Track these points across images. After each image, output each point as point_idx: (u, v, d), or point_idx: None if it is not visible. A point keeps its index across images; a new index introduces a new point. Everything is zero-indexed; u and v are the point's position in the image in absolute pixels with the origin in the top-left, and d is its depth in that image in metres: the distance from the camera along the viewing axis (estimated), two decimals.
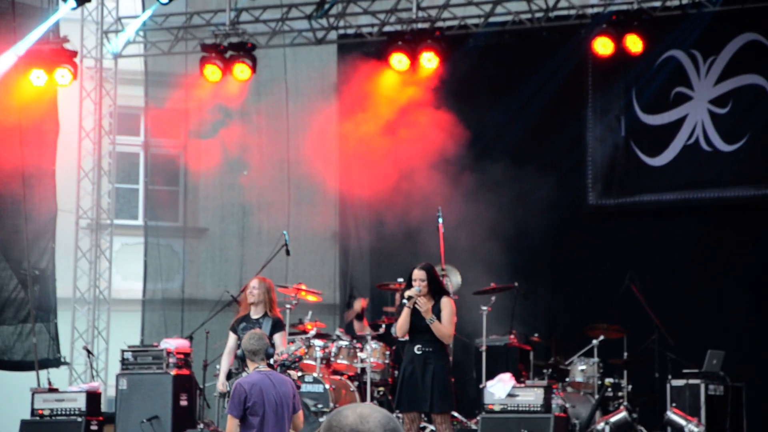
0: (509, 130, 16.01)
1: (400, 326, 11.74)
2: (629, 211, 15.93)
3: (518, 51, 16.51)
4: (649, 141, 15.88)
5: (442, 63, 15.77)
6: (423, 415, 12.08)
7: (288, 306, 14.31)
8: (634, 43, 14.99)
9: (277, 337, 12.57)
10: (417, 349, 11.65)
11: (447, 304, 11.63)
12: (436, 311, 11.61)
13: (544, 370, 14.53)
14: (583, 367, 14.44)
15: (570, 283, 15.95)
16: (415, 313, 11.61)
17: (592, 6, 16.09)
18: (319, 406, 13.58)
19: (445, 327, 11.57)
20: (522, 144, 16.11)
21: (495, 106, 16.25)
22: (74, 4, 16.31)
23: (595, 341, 14.38)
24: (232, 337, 12.78)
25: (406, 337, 11.92)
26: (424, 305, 11.49)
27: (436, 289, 11.69)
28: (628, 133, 15.96)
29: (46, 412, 14.44)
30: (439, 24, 16.34)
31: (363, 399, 13.97)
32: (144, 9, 17.83)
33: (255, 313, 12.68)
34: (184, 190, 18.45)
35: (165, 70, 18.07)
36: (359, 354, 14.11)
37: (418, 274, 11.70)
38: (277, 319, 12.76)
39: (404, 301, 11.71)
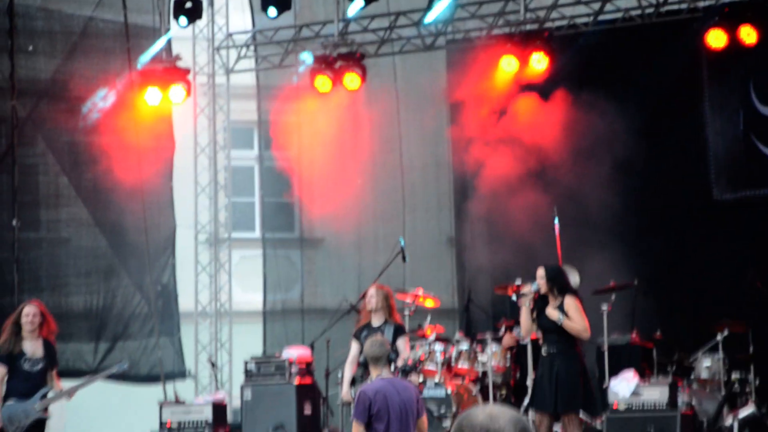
0: (625, 128, 15.86)
1: (523, 325, 11.76)
2: (753, 204, 15.67)
3: (629, 48, 16.36)
4: None
5: (552, 63, 15.69)
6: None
7: (407, 312, 14.37)
8: (748, 35, 14.78)
9: (401, 343, 12.65)
10: (544, 351, 11.68)
11: (571, 302, 11.60)
12: (561, 310, 11.58)
13: (668, 368, 14.35)
14: (708, 363, 14.24)
15: (692, 279, 15.73)
16: (541, 314, 11.61)
17: None
18: (442, 410, 13.59)
19: (575, 323, 11.52)
20: (639, 141, 15.94)
21: (609, 105, 16.13)
22: (185, 22, 16.58)
23: (719, 336, 14.17)
24: (354, 346, 12.87)
25: (534, 337, 11.93)
26: (554, 313, 11.48)
27: (560, 287, 11.67)
28: (747, 125, 15.72)
29: (174, 425, 14.65)
30: (548, 24, 16.27)
31: (485, 402, 13.95)
32: (254, 24, 18.05)
33: (376, 321, 12.77)
34: (299, 201, 18.62)
35: (276, 83, 18.26)
36: (480, 357, 14.09)
37: (539, 272, 11.71)
38: (398, 325, 12.83)
39: (513, 298, 11.77)
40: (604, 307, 14.21)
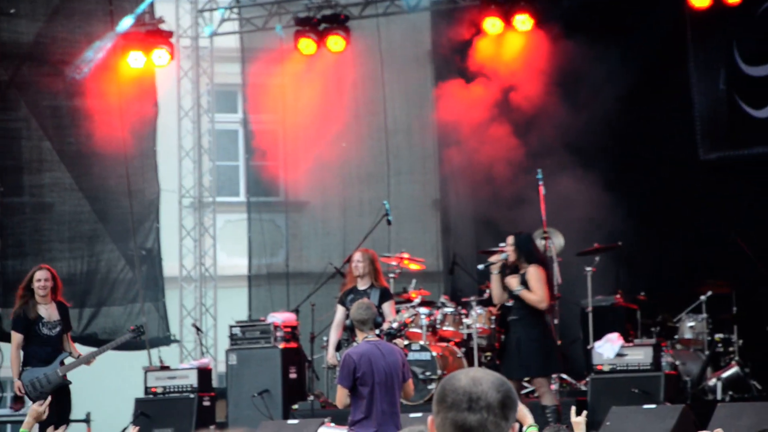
0: (611, 89, 15.81)
1: (493, 293, 11.93)
2: (737, 165, 15.66)
3: (614, 8, 16.29)
4: (752, 93, 15.60)
5: (536, 24, 15.64)
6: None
7: (391, 275, 14.37)
8: None
9: (386, 306, 12.68)
10: (509, 318, 11.84)
11: (533, 271, 11.78)
12: (524, 280, 11.74)
13: (652, 329, 14.39)
14: (692, 324, 14.27)
15: (676, 240, 15.74)
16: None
17: None
18: (427, 373, 13.60)
19: (533, 294, 11.71)
20: (624, 102, 15.89)
21: (594, 66, 16.06)
22: None
23: (703, 297, 14.20)
24: (340, 310, 12.89)
25: (510, 302, 12.03)
26: (512, 280, 11.64)
27: (527, 256, 11.80)
28: (730, 85, 15.68)
29: (159, 390, 14.65)
30: None
31: (470, 365, 13.97)
32: None
33: (362, 285, 12.80)
34: (283, 164, 18.55)
35: (260, 46, 18.16)
36: (464, 320, 14.10)
37: (508, 239, 11.86)
38: (384, 289, 12.86)
39: (480, 267, 11.91)
40: (588, 269, 14.23)
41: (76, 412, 13.27)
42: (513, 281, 11.83)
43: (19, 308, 12.38)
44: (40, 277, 12.38)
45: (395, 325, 12.42)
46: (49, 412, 12.02)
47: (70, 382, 12.45)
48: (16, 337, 12.41)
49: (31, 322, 12.32)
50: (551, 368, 12.55)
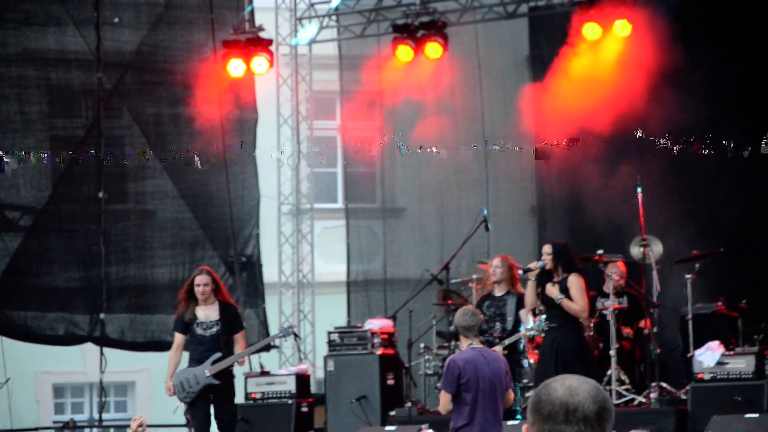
0: (713, 91, 15.56)
1: (527, 299, 11.93)
2: None
3: (716, 11, 16.04)
4: None
5: (635, 29, 15.50)
6: None
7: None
8: None
9: (522, 313, 12.76)
10: (546, 325, 11.78)
11: (575, 282, 11.77)
12: (564, 288, 11.70)
13: (755, 336, 14.16)
14: None
15: None
16: (544, 290, 11.74)
17: None
18: (525, 381, 13.55)
19: (575, 304, 11.68)
20: (729, 102, 15.58)
21: (696, 68, 15.83)
22: None
23: None
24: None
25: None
26: (552, 290, 11.60)
27: (566, 265, 11.77)
28: None
29: (259, 396, 14.76)
30: None
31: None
32: None
33: (498, 291, 12.95)
34: (381, 171, 18.60)
35: (358, 53, 18.24)
36: None
37: (545, 248, 11.88)
38: (521, 296, 12.93)
39: (520, 272, 11.92)
40: (688, 276, 14.07)
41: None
42: (554, 290, 11.82)
43: (179, 310, 12.62)
44: (200, 282, 12.59)
45: (533, 333, 12.48)
46: (203, 412, 12.19)
47: (219, 382, 12.51)
48: (177, 337, 12.68)
49: (187, 324, 12.54)
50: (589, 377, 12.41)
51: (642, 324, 14.12)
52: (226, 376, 12.64)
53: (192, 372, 12.49)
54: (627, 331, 14.26)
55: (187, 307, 12.58)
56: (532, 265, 11.97)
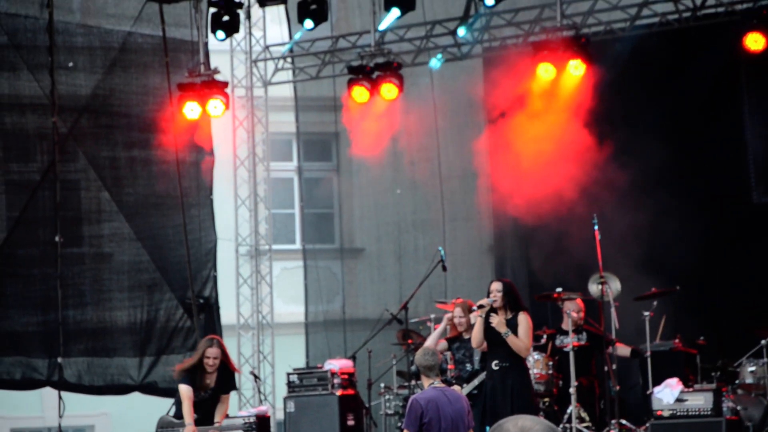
0: (662, 133, 15.76)
1: (474, 336, 11.98)
2: None
3: (666, 53, 16.27)
4: None
5: (589, 69, 15.63)
6: None
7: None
8: None
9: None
10: (494, 364, 11.78)
11: (524, 319, 11.81)
12: (513, 325, 11.72)
13: (713, 373, 14.25)
14: (753, 368, 14.11)
15: (734, 284, 15.61)
16: (491, 327, 11.74)
17: (741, 2, 15.79)
18: None
19: (521, 341, 11.71)
20: (677, 146, 15.85)
21: (646, 110, 16.01)
22: (223, 36, 16.63)
23: (763, 341, 14.03)
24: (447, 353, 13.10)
25: (484, 348, 12.05)
26: (496, 319, 11.65)
27: (513, 303, 11.82)
28: None
29: None
30: (585, 31, 16.22)
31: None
32: (291, 36, 18.09)
33: (467, 333, 12.93)
34: (339, 211, 18.62)
35: (314, 94, 18.29)
36: None
37: (495, 285, 11.90)
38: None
39: (474, 308, 11.95)
40: (646, 314, 14.14)
41: None
42: (502, 326, 11.80)
43: (187, 368, 12.43)
44: (210, 355, 12.47)
45: (451, 375, 12.51)
46: None
47: None
48: (188, 390, 12.40)
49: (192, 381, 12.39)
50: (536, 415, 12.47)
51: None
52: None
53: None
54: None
55: (194, 373, 12.39)
56: (484, 302, 11.97)
